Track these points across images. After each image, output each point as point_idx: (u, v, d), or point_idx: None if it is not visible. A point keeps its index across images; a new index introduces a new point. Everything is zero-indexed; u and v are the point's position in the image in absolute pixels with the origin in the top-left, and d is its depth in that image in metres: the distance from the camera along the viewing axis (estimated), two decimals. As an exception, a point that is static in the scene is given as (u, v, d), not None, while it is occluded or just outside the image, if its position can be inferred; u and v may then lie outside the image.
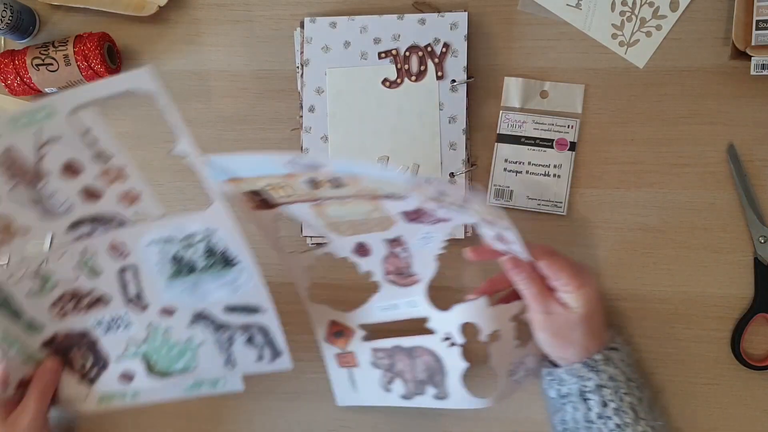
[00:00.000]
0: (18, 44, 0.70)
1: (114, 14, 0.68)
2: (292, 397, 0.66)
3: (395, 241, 0.56)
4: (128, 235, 0.55)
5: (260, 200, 0.53)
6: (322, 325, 0.63)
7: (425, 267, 0.58)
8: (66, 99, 0.47)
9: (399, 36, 0.64)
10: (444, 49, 0.63)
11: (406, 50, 0.64)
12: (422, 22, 0.63)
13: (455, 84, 0.63)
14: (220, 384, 0.61)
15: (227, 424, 0.66)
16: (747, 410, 0.60)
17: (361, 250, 0.58)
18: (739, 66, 0.61)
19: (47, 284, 0.58)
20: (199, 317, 0.58)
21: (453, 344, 0.58)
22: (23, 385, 0.61)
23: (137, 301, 0.58)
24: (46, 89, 0.67)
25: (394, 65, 0.64)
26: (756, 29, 0.59)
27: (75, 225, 0.55)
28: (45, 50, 0.65)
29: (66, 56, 0.65)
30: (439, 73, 0.63)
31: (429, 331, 0.59)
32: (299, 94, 0.66)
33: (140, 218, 0.55)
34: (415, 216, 0.52)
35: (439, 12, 0.63)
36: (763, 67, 0.59)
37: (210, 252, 0.54)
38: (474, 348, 0.57)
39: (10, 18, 0.67)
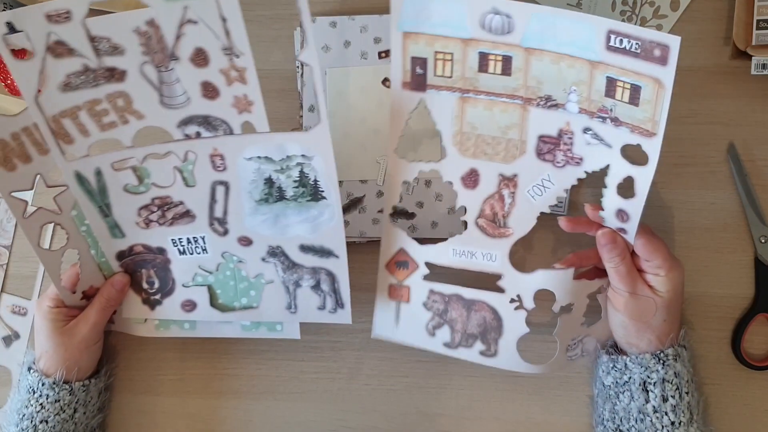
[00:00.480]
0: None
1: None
2: (292, 397, 0.66)
3: (509, 180, 0.55)
4: (231, 146, 0.54)
5: (417, 76, 0.53)
6: (390, 250, 0.61)
7: (523, 223, 0.56)
8: None
9: (399, 36, 0.63)
10: (444, 49, 0.63)
11: (406, 50, 0.63)
12: (422, 21, 0.63)
13: (455, 84, 0.62)
14: (278, 329, 0.62)
15: (227, 424, 0.66)
16: (747, 410, 0.60)
17: (471, 179, 0.56)
18: (740, 66, 0.61)
19: (143, 182, 0.57)
20: (274, 254, 0.58)
21: (520, 307, 0.57)
22: (87, 297, 0.62)
23: (220, 224, 0.58)
24: (46, 89, 0.67)
25: (394, 65, 0.64)
26: (756, 29, 0.59)
27: (186, 122, 0.56)
28: (45, 50, 0.65)
29: (66, 56, 0.65)
30: (440, 73, 0.63)
31: (497, 289, 0.58)
32: (299, 94, 0.66)
33: (247, 131, 0.55)
34: (550, 145, 0.52)
35: (439, 12, 0.63)
36: (764, 66, 0.59)
37: (301, 180, 0.54)
38: (533, 315, 0.57)
39: (10, 18, 0.67)
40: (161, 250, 0.61)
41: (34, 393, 0.58)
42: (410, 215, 0.64)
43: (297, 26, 0.65)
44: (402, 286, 0.61)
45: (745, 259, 0.61)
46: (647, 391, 0.52)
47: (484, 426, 0.63)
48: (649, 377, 0.52)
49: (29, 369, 0.60)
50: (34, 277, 0.70)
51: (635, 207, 0.51)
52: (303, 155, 0.52)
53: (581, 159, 0.53)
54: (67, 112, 0.54)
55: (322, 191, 0.54)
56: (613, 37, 0.47)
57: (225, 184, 0.56)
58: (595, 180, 0.53)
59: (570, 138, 0.52)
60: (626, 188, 0.51)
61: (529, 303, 0.57)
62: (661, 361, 0.52)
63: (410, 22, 0.50)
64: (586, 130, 0.51)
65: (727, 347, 0.61)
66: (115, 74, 0.53)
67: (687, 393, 0.52)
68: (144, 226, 0.60)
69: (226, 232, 0.58)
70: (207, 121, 0.56)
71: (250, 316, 0.62)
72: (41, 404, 0.57)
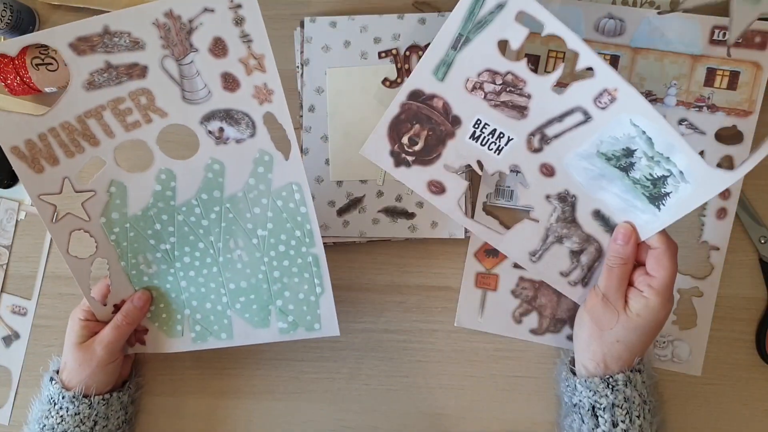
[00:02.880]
0: (18, 44, 0.70)
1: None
2: (292, 397, 0.66)
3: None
4: (629, 103, 0.47)
5: (530, 70, 0.53)
6: (481, 238, 0.60)
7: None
8: None
9: (399, 35, 0.64)
10: (444, 49, 0.63)
11: (406, 50, 0.63)
12: (422, 21, 0.63)
13: (455, 84, 0.62)
14: (317, 328, 0.60)
15: (227, 424, 0.66)
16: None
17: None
18: (740, 66, 0.61)
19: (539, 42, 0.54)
20: (563, 199, 0.54)
21: None
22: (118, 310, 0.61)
23: (540, 141, 0.53)
24: (46, 89, 0.67)
25: (394, 65, 0.64)
26: (757, 29, 0.60)
27: (208, 117, 0.55)
28: (45, 50, 0.65)
29: (66, 56, 0.65)
30: (440, 73, 0.63)
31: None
32: (299, 93, 0.66)
33: (267, 123, 0.54)
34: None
35: (439, 12, 0.63)
36: (764, 66, 0.59)
37: (655, 182, 0.50)
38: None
39: (10, 18, 0.67)
40: (456, 120, 0.54)
41: (54, 404, 0.58)
42: (410, 215, 0.64)
43: (297, 26, 0.65)
44: (490, 275, 0.62)
45: (752, 259, 0.61)
46: (596, 417, 0.51)
47: (484, 426, 0.63)
48: (598, 402, 0.51)
49: (51, 379, 0.59)
50: (34, 277, 0.70)
51: (736, 182, 0.55)
52: (681, 173, 0.48)
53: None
54: (92, 112, 0.53)
55: (663, 205, 0.50)
56: (717, 31, 0.56)
57: (587, 116, 0.50)
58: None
59: None
60: (724, 167, 0.54)
61: None
62: (610, 387, 0.51)
63: (529, 23, 0.52)
64: (681, 121, 0.57)
65: (746, 347, 0.61)
66: (136, 70, 0.53)
67: (639, 416, 0.51)
68: (470, 91, 0.53)
69: (537, 150, 0.53)
70: (229, 115, 0.55)
71: (492, 238, 0.57)
72: (61, 416, 0.57)
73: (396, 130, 0.55)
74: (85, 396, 0.58)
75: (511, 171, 0.55)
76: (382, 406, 0.64)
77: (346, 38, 0.64)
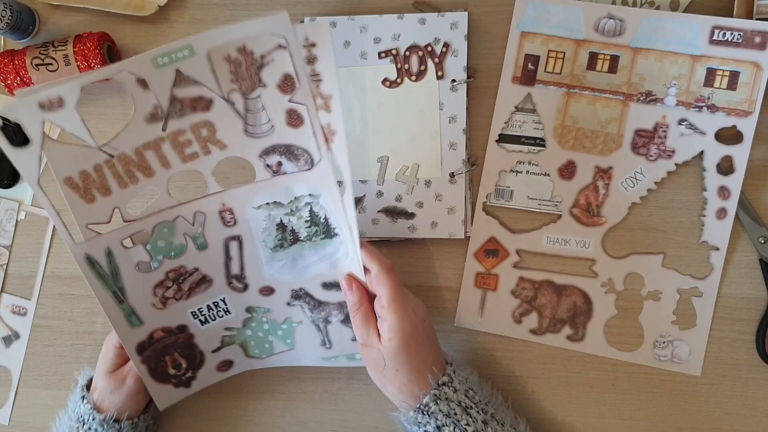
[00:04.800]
0: (18, 44, 0.70)
1: (114, 14, 0.68)
2: (292, 397, 0.66)
3: (604, 172, 0.59)
4: (239, 197, 0.53)
5: (528, 72, 0.57)
6: (480, 239, 0.62)
7: (615, 212, 0.61)
8: (203, 40, 0.46)
9: (399, 35, 0.63)
10: (444, 49, 0.63)
11: (406, 50, 0.63)
12: (422, 21, 0.63)
13: (455, 84, 0.62)
14: (358, 358, 0.62)
15: (227, 424, 0.66)
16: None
17: (568, 170, 0.60)
18: (740, 65, 0.61)
19: (155, 258, 0.55)
20: (298, 296, 0.59)
21: (610, 291, 0.61)
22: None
23: (238, 281, 0.58)
24: (46, 89, 0.67)
25: (394, 65, 0.64)
26: (757, 29, 0.60)
27: (267, 151, 0.54)
28: (45, 50, 0.65)
29: (66, 56, 0.65)
30: (439, 73, 0.63)
31: (588, 274, 0.61)
32: (299, 93, 0.66)
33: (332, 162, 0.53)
34: (645, 139, 0.57)
35: (439, 11, 0.63)
36: (764, 66, 0.59)
37: (313, 219, 0.54)
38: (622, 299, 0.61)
39: (10, 18, 0.67)
40: (182, 328, 0.59)
41: (83, 424, 0.58)
42: (410, 215, 0.64)
43: (297, 26, 0.65)
44: (490, 275, 0.63)
45: (751, 259, 0.61)
46: None
47: (484, 426, 0.63)
48: (425, 430, 0.51)
49: (83, 398, 0.59)
50: (34, 277, 0.70)
51: (735, 182, 0.58)
52: (310, 194, 0.52)
53: (673, 152, 0.59)
54: (150, 144, 0.51)
55: (334, 228, 0.53)
56: (717, 31, 0.57)
57: (238, 239, 0.55)
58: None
59: (664, 131, 0.58)
60: (723, 167, 0.58)
61: (619, 285, 0.61)
62: (426, 413, 0.51)
63: (530, 23, 0.57)
64: (681, 121, 0.58)
65: (746, 347, 0.61)
66: (201, 103, 0.51)
67: (467, 423, 0.51)
68: (161, 307, 0.57)
69: (246, 288, 0.58)
70: (289, 150, 0.54)
71: (289, 359, 0.63)
72: None
73: (159, 375, 0.60)
74: (116, 420, 0.58)
75: (250, 309, 0.60)
76: (382, 406, 0.64)
77: (346, 38, 0.64)
